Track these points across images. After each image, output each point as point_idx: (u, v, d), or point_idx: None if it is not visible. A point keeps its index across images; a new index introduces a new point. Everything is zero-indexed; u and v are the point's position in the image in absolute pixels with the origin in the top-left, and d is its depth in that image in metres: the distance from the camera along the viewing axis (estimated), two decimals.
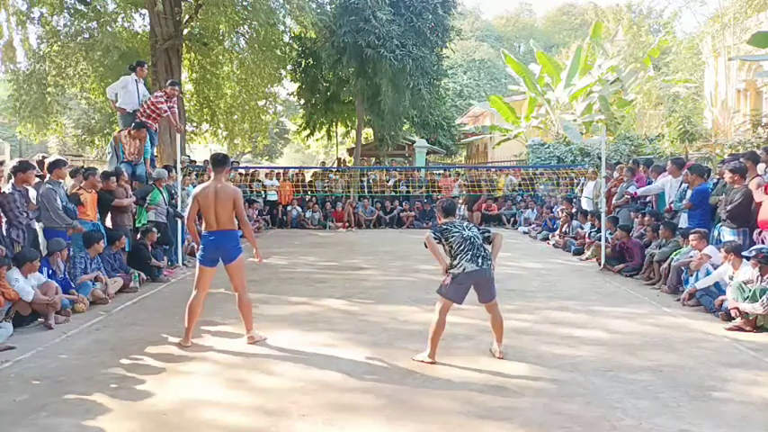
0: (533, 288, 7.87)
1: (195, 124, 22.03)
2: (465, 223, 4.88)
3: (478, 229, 4.85)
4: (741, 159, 7.40)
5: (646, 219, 9.00)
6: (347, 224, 16.31)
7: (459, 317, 5.79)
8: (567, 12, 55.29)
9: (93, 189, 7.87)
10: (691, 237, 7.07)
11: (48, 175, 7.17)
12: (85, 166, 9.36)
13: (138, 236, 8.65)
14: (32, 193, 6.86)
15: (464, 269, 4.57)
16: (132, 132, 9.37)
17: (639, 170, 10.48)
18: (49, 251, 6.58)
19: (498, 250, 4.80)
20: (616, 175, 10.82)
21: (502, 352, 4.83)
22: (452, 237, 4.68)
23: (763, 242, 6.40)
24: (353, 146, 24.01)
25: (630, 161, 11.69)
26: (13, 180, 6.60)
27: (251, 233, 5.41)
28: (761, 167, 7.24)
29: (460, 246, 4.63)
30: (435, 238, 4.68)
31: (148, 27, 17.36)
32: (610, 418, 3.63)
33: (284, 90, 24.91)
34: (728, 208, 6.93)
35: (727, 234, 6.97)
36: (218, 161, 5.22)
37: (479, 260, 4.61)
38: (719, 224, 7.21)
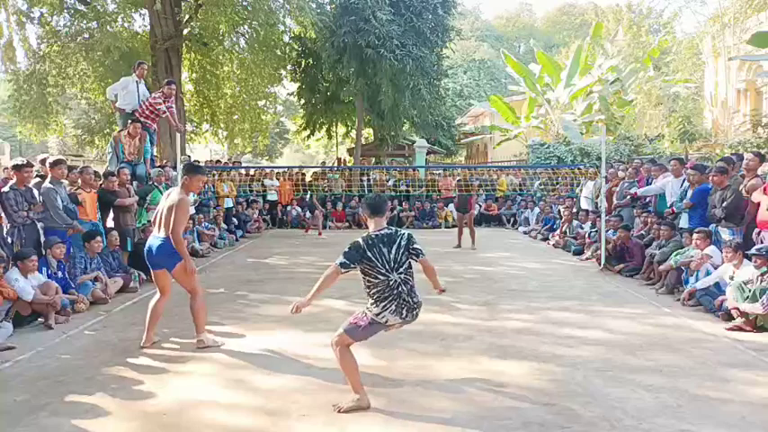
0: (533, 288, 7.86)
1: (195, 124, 22.04)
2: (393, 236, 3.81)
3: (408, 243, 3.83)
4: (748, 155, 7.41)
5: (650, 219, 8.99)
6: (311, 227, 15.38)
7: (459, 317, 5.80)
8: (567, 12, 55.36)
9: (91, 188, 7.87)
10: (694, 236, 7.06)
11: (49, 175, 7.17)
12: (80, 166, 9.34)
13: (142, 236, 8.66)
14: (37, 193, 6.88)
15: (386, 321, 3.77)
16: (129, 130, 9.36)
17: (642, 169, 10.45)
18: (46, 249, 6.58)
19: (434, 276, 4.01)
20: (621, 174, 10.79)
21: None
22: (375, 275, 3.74)
23: (762, 242, 6.39)
24: (353, 146, 24.02)
25: (634, 161, 11.68)
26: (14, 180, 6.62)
27: (179, 244, 5.01)
28: (761, 169, 7.25)
29: (385, 292, 3.75)
30: (345, 268, 3.73)
31: (148, 27, 17.38)
32: (610, 418, 3.62)
33: (284, 90, 24.97)
34: (724, 204, 6.94)
35: (725, 234, 6.97)
36: (188, 169, 5.28)
37: (404, 312, 3.76)
38: (715, 225, 7.21)
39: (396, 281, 3.75)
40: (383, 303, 3.76)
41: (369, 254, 3.73)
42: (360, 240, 3.79)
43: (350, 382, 3.86)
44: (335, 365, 4.63)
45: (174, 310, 6.56)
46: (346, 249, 3.76)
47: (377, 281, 3.76)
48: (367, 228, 3.97)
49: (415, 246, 3.85)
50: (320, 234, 14.66)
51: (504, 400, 3.93)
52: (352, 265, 3.74)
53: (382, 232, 3.83)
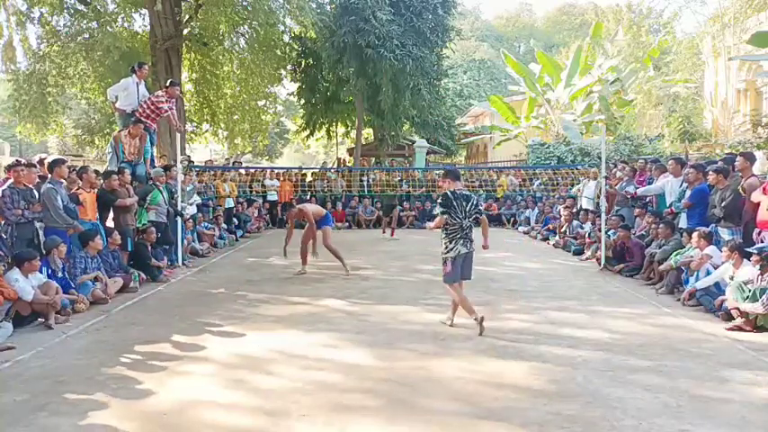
0: (533, 288, 7.86)
1: (195, 124, 22.05)
2: (469, 197, 5.50)
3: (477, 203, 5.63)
4: (738, 158, 7.42)
5: (650, 218, 8.98)
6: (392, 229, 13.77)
7: (459, 317, 5.80)
8: (567, 12, 55.38)
9: (91, 188, 7.87)
10: (694, 235, 7.06)
11: (49, 175, 7.18)
12: (80, 166, 9.36)
13: (142, 235, 8.66)
14: (37, 193, 6.91)
15: (457, 252, 5.52)
16: (131, 129, 9.35)
17: (645, 168, 10.43)
18: (47, 249, 6.58)
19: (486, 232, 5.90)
20: (619, 174, 10.79)
21: None
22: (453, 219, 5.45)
23: (762, 242, 6.40)
24: (353, 146, 24.02)
25: (638, 161, 11.65)
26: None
27: None
28: (756, 167, 7.25)
29: (457, 232, 5.52)
30: (444, 214, 5.43)
31: (148, 27, 17.37)
32: (610, 418, 3.62)
33: (284, 90, 24.97)
34: (723, 204, 6.95)
35: (725, 234, 6.97)
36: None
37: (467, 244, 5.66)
38: (715, 225, 7.21)
39: (466, 225, 5.48)
40: (453, 241, 5.45)
41: (454, 203, 5.40)
42: (448, 193, 5.44)
43: (464, 309, 5.54)
44: (335, 365, 4.65)
45: (175, 311, 6.58)
46: (440, 201, 5.49)
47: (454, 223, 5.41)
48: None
49: (479, 207, 5.63)
50: (393, 234, 13.44)
51: (504, 400, 3.93)
52: (448, 210, 5.40)
53: (462, 192, 5.54)
